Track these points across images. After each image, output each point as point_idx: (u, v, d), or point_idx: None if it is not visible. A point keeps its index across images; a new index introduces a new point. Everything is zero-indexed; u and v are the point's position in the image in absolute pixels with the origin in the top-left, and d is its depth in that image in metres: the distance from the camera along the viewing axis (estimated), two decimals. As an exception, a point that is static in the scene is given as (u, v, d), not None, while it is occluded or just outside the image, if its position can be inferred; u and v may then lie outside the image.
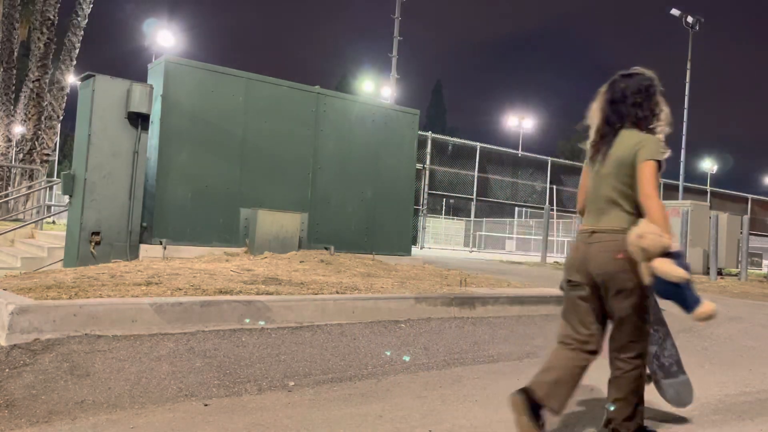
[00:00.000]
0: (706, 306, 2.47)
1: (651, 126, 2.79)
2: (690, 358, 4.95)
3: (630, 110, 2.78)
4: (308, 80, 9.11)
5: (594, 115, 2.90)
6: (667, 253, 2.48)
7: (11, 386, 3.04)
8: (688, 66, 25.16)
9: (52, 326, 3.50)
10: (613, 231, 2.70)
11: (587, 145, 2.91)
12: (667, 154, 2.70)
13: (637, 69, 2.88)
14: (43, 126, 17.56)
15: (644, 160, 2.64)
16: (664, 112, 2.82)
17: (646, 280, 2.55)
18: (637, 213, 2.68)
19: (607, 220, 2.75)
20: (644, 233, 2.50)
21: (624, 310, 2.72)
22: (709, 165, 50.68)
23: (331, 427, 2.93)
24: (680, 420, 3.32)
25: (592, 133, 2.89)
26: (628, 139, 2.73)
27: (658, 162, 2.64)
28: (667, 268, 2.46)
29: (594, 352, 2.81)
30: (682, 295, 2.50)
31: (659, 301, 3.05)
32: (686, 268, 2.49)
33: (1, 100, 18.04)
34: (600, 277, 2.73)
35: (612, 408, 2.81)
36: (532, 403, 2.67)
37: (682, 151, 25.15)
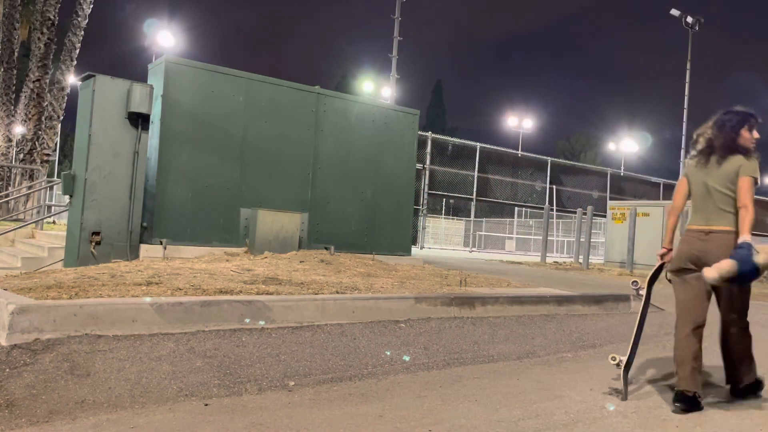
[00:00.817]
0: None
1: (742, 151, 3.58)
2: (690, 358, 4.95)
3: (715, 141, 3.64)
4: (308, 80, 9.12)
5: (700, 141, 3.76)
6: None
7: (11, 386, 3.05)
8: (688, 66, 25.18)
9: (52, 326, 3.51)
10: (726, 231, 3.52)
11: (691, 161, 3.78)
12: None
13: (736, 107, 3.71)
14: (43, 126, 17.56)
15: (743, 176, 3.51)
16: (743, 137, 3.61)
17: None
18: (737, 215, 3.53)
19: (719, 222, 3.57)
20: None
21: (735, 291, 3.63)
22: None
23: (331, 427, 2.93)
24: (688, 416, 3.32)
25: (696, 153, 3.76)
26: (733, 162, 3.56)
27: (755, 178, 3.51)
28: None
29: (703, 325, 3.79)
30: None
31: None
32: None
33: (1, 100, 18.03)
34: None
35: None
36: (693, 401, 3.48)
37: (682, 151, 25.18)
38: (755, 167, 3.54)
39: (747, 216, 3.43)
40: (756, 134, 3.64)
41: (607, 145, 56.35)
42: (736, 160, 3.55)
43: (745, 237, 3.37)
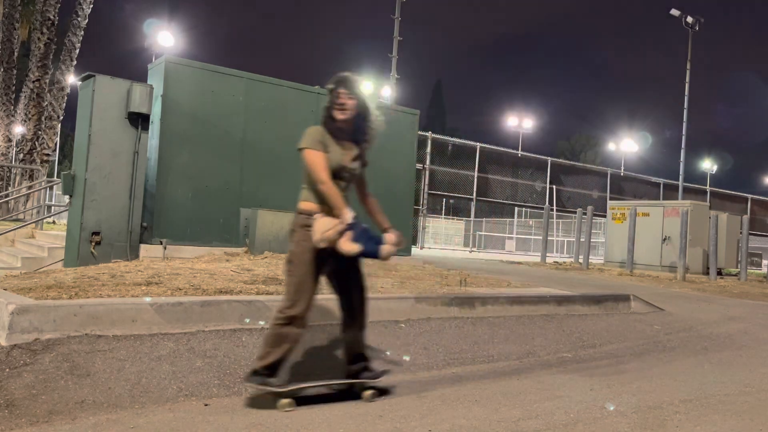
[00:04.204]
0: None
1: None
2: (690, 357, 4.96)
3: None
4: (308, 80, 9.12)
5: None
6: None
7: (11, 386, 3.04)
8: (688, 66, 25.17)
9: (52, 326, 3.50)
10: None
11: None
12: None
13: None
14: (43, 126, 17.55)
15: None
16: None
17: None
18: None
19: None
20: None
21: None
22: (708, 165, 50.70)
23: (331, 427, 2.93)
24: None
25: None
26: None
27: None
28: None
29: None
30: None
31: None
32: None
33: (1, 100, 18.03)
34: None
35: None
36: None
37: (682, 151, 25.17)
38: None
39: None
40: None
41: (607, 145, 56.39)
42: None
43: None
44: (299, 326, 3.20)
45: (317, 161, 3.25)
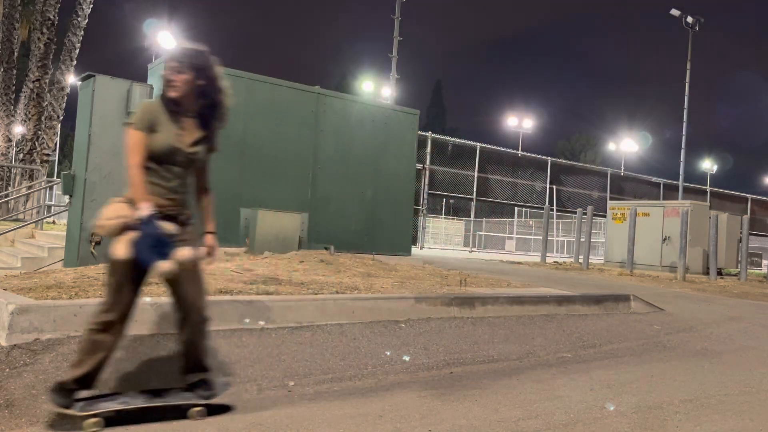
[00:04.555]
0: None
1: None
2: (690, 357, 4.95)
3: None
4: (308, 80, 9.13)
5: None
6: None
7: (11, 386, 3.04)
8: (688, 66, 25.16)
9: (52, 326, 3.50)
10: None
11: None
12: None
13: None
14: (43, 126, 17.56)
15: None
16: None
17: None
18: None
19: None
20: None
21: None
22: (708, 165, 50.70)
23: (331, 427, 2.93)
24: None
25: None
26: None
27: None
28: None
29: None
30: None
31: None
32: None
33: (1, 100, 18.03)
34: None
35: None
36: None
37: (682, 151, 25.18)
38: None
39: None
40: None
41: (607, 145, 56.37)
42: None
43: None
44: (115, 333, 2.83)
45: (132, 142, 2.89)
